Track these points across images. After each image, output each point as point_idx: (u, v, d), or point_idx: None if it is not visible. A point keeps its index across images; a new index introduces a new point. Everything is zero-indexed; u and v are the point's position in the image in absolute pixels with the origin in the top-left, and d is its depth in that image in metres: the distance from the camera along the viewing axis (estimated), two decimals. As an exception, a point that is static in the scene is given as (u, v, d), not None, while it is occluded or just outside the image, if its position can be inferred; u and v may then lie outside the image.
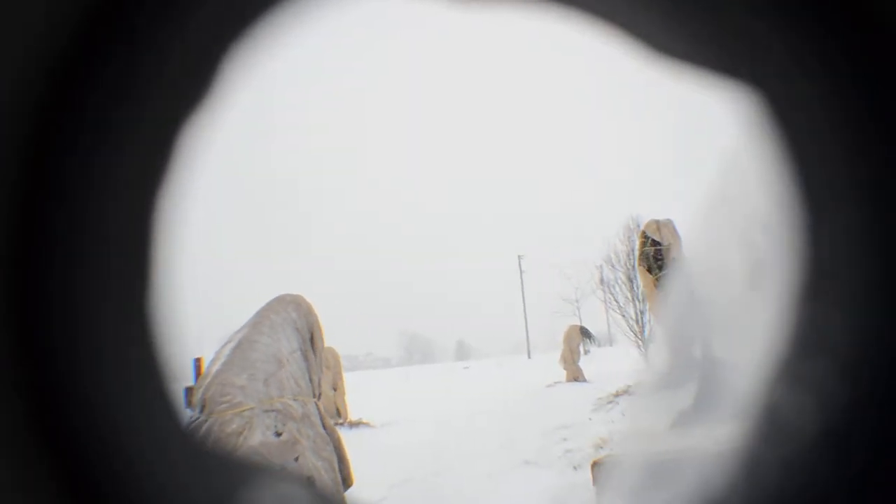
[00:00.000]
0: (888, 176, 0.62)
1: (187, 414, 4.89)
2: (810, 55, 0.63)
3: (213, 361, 5.11)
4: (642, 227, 11.36)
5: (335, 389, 15.03)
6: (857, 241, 0.65)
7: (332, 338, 5.96)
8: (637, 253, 11.68)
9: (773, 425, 0.74)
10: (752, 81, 0.68)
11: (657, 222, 10.76)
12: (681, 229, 10.21)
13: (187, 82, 0.67)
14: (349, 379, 17.00)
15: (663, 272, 9.99)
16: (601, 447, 8.43)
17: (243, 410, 4.66)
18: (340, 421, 14.49)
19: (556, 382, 19.70)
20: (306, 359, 5.26)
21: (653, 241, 10.54)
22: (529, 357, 52.30)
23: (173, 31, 0.63)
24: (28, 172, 0.60)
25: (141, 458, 0.70)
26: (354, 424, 14.57)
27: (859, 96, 0.62)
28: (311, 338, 5.41)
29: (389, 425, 14.53)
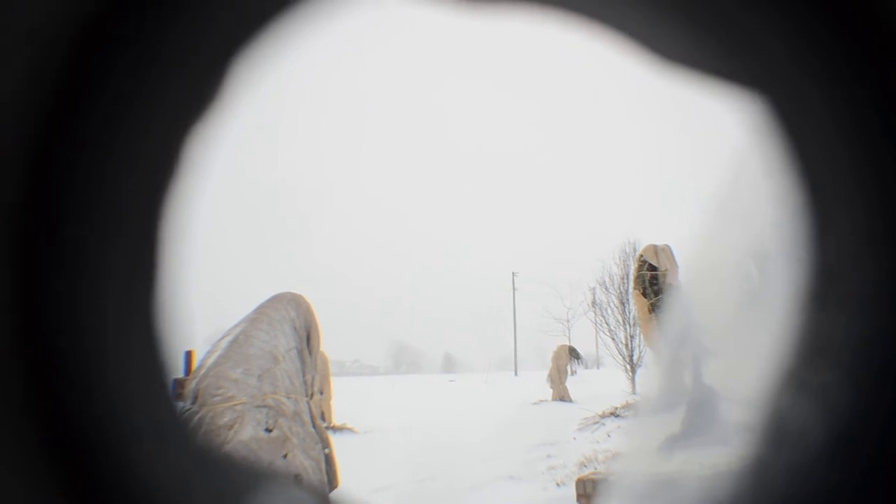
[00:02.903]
0: (894, 175, 0.62)
1: (177, 406, 4.88)
2: (815, 58, 0.62)
3: (208, 354, 5.12)
4: (640, 252, 11.42)
5: (321, 393, 14.93)
6: (863, 243, 0.65)
7: (321, 341, 5.99)
8: (633, 276, 11.74)
9: (779, 431, 0.74)
10: (757, 86, 0.68)
11: (655, 247, 10.83)
12: (679, 252, 10.30)
13: (194, 86, 0.67)
14: (335, 384, 16.97)
15: (658, 297, 10.05)
16: (585, 465, 8.44)
17: (235, 404, 4.66)
18: (325, 424, 14.45)
19: (541, 400, 19.75)
20: (302, 358, 5.27)
21: (650, 265, 10.60)
22: (516, 374, 52.23)
23: (179, 33, 0.63)
24: (34, 172, 0.60)
25: (143, 453, 0.70)
26: (338, 429, 14.55)
27: (865, 97, 0.61)
28: (307, 337, 5.42)
29: (373, 432, 14.52)
